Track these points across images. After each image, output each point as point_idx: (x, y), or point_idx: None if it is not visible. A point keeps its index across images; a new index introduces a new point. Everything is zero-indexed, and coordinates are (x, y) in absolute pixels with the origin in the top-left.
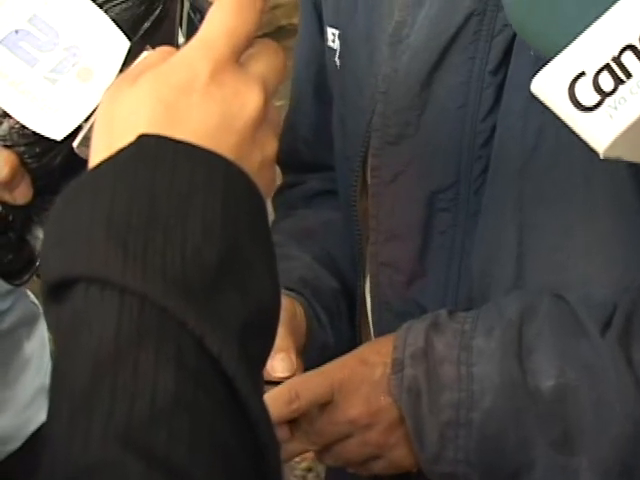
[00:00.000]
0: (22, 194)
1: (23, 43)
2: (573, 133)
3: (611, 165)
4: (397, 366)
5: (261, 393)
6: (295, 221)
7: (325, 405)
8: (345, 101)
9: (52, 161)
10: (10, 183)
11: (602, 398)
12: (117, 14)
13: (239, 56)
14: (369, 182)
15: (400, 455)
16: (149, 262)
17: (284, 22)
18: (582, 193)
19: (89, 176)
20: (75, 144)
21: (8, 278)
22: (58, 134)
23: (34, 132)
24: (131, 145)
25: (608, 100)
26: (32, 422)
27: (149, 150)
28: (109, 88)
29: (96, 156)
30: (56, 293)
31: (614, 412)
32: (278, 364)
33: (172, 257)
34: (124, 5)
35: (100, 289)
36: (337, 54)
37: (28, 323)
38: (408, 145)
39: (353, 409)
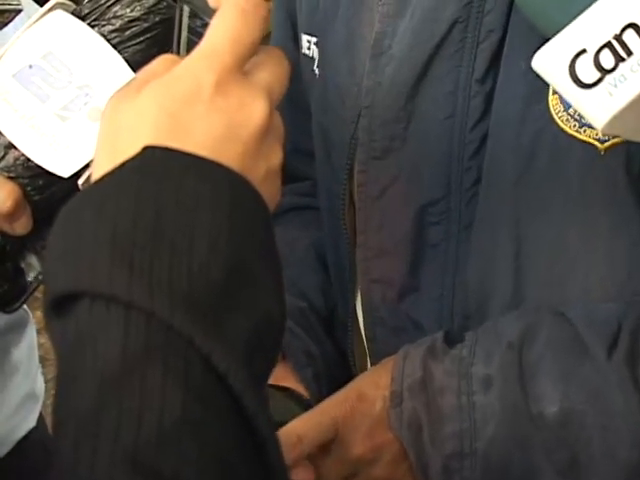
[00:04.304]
0: (22, 225)
1: (36, 78)
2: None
3: (609, 174)
4: (395, 399)
5: (267, 411)
6: None
7: (327, 445)
8: (327, 111)
9: (54, 194)
10: (12, 215)
11: (608, 423)
12: (130, 55)
13: (244, 65)
14: (355, 197)
15: None
16: (155, 278)
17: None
18: (579, 204)
19: (93, 189)
20: (81, 182)
21: (1, 306)
22: (65, 171)
23: (38, 165)
24: (136, 157)
25: (608, 77)
26: (20, 429)
27: (154, 163)
28: (112, 97)
29: (99, 168)
30: (59, 307)
31: (621, 438)
32: None
33: (178, 273)
34: (137, 47)
35: (105, 305)
36: (315, 63)
37: (16, 329)
38: (395, 159)
39: (357, 446)
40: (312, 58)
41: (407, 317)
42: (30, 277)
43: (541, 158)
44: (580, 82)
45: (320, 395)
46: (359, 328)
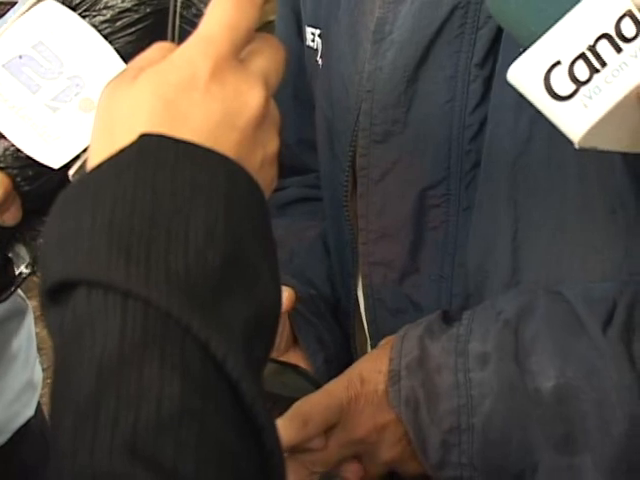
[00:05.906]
0: (11, 216)
1: (26, 69)
2: (549, 122)
3: (605, 156)
4: (393, 378)
5: (264, 398)
6: None
7: (331, 428)
8: (331, 101)
9: (44, 185)
10: (1, 205)
11: (603, 398)
12: (122, 46)
13: (240, 52)
14: (358, 182)
15: (413, 465)
16: (152, 266)
17: (272, 17)
18: (576, 185)
19: (90, 176)
20: (71, 173)
21: None
22: (55, 162)
23: (28, 156)
24: (132, 145)
25: (583, 89)
26: (19, 417)
27: (150, 150)
28: (108, 85)
29: (96, 155)
30: (55, 295)
31: (615, 413)
32: None
33: (175, 261)
34: (128, 38)
35: (103, 293)
36: (319, 54)
37: (15, 317)
38: (396, 143)
39: (360, 428)
40: (316, 50)
41: (407, 299)
42: (19, 268)
43: (538, 141)
44: (555, 94)
45: (329, 379)
46: (360, 314)
